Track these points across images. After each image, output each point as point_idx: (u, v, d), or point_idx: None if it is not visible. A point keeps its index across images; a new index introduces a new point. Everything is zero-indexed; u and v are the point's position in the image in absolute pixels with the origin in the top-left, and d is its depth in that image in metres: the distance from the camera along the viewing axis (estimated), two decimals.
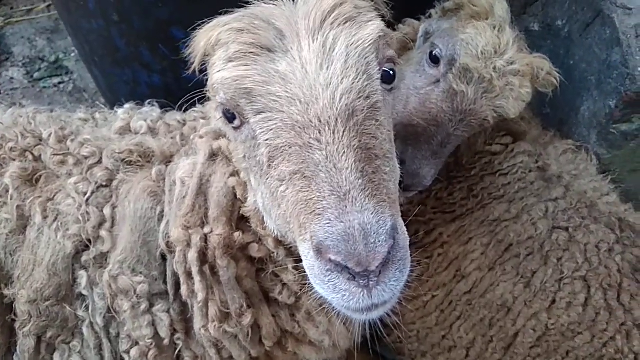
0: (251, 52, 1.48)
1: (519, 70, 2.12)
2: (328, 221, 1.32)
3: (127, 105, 2.38)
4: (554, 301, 2.20)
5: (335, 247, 1.30)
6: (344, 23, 1.51)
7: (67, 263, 1.94)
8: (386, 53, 1.58)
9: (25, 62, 4.36)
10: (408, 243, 1.45)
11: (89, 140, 2.11)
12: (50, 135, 2.14)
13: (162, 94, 2.65)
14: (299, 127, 1.40)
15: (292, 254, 1.85)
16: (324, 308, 1.94)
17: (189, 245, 1.81)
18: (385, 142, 1.52)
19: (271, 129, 1.46)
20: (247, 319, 1.86)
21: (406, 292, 1.50)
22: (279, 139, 1.44)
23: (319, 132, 1.38)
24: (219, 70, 1.52)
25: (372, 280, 1.34)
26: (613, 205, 2.40)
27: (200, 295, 1.83)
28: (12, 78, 4.22)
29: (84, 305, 1.96)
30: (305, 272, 1.47)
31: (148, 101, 2.40)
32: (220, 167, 1.89)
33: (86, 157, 2.08)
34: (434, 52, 2.21)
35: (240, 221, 1.89)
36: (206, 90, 1.70)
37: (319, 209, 1.35)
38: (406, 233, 1.46)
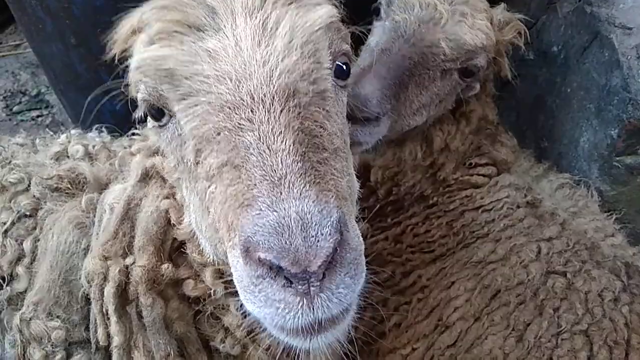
0: (176, 31, 1.27)
1: (467, 0, 2.09)
2: (258, 211, 1.09)
3: (72, 131, 2.18)
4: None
5: (266, 242, 1.05)
6: (289, 4, 1.31)
7: None
8: (341, 47, 1.41)
9: (6, 95, 4.30)
10: (363, 248, 1.20)
11: (18, 165, 1.90)
12: None
13: (126, 123, 2.47)
14: (229, 108, 1.19)
15: (236, 291, 1.58)
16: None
17: (106, 278, 1.55)
18: (337, 138, 1.30)
19: (197, 115, 1.24)
20: None
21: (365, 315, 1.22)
22: (206, 125, 1.22)
23: (251, 111, 1.17)
24: (138, 54, 1.31)
25: (313, 285, 1.08)
26: (619, 248, 2.16)
27: (117, 340, 1.55)
28: None
29: None
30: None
31: (95, 126, 2.20)
32: (153, 189, 1.65)
33: (13, 184, 1.86)
34: (377, 7, 2.21)
35: (175, 252, 1.63)
36: (125, 87, 1.46)
37: (248, 199, 1.12)
38: (360, 236, 1.22)
